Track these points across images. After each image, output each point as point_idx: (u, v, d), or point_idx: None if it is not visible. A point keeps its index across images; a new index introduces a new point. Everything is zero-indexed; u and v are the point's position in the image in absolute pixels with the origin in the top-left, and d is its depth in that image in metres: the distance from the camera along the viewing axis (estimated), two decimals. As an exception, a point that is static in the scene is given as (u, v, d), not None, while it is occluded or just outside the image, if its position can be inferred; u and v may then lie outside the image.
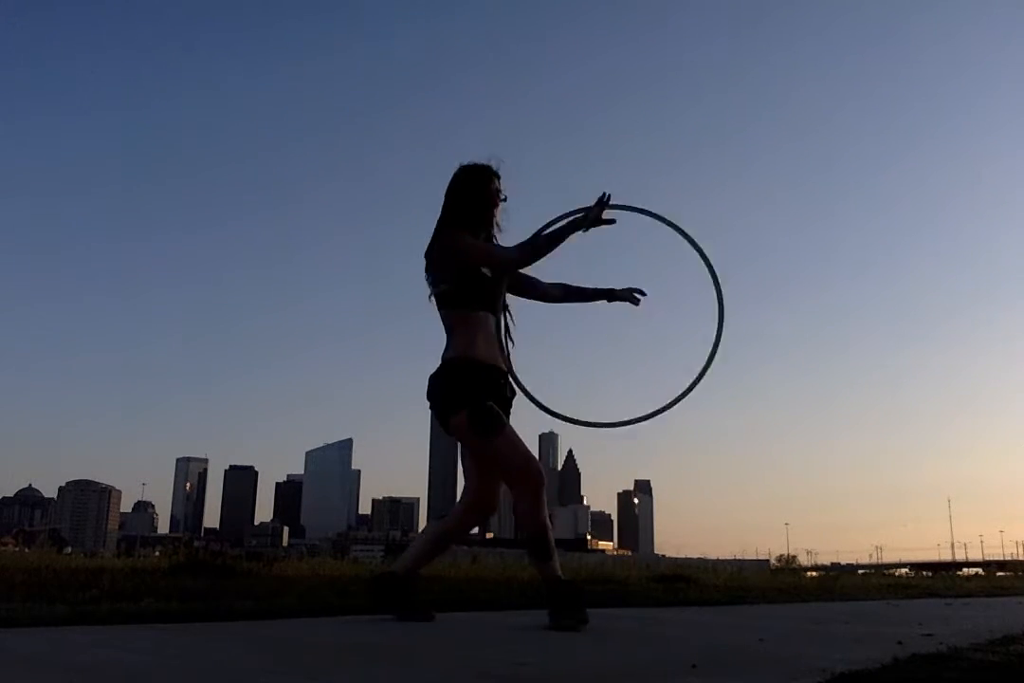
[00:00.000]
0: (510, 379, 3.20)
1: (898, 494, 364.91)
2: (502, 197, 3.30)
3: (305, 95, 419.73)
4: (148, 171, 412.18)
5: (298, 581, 5.35)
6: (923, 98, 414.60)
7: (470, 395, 3.03)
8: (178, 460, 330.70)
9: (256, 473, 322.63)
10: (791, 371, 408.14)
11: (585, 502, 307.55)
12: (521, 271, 3.31)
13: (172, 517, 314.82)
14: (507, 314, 3.31)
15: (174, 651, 2.20)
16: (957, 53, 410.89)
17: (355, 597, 3.95)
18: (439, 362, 3.17)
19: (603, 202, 3.10)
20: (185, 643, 2.36)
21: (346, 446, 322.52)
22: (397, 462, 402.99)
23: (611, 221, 3.13)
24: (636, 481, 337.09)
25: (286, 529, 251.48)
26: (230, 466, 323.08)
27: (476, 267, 3.16)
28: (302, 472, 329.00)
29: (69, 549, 27.47)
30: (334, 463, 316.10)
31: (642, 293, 3.44)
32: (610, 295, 3.45)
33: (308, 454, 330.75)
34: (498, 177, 3.28)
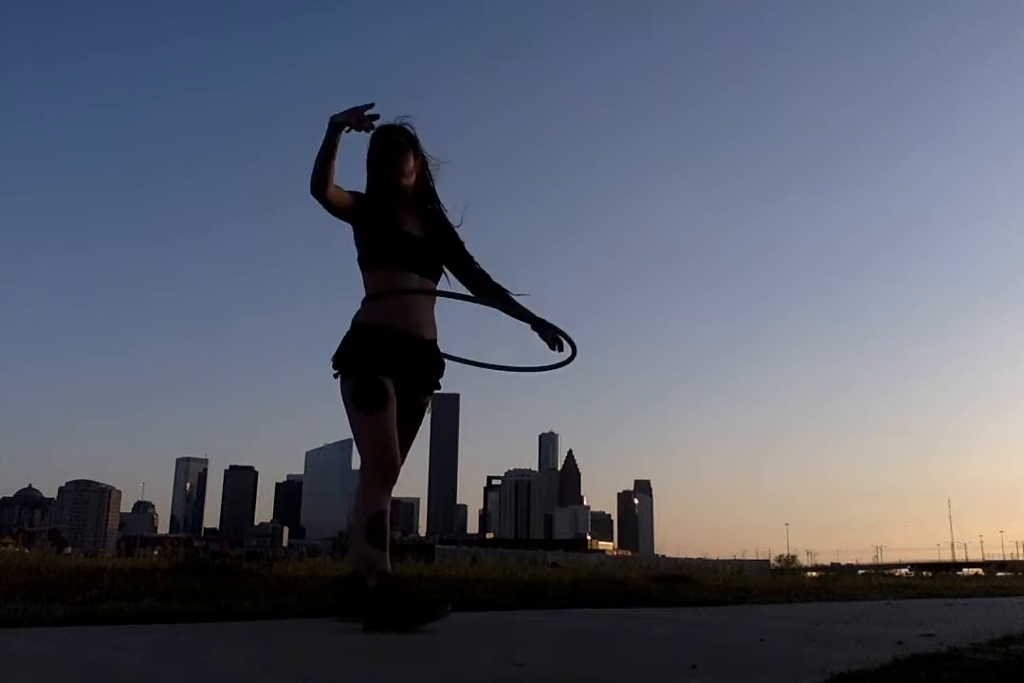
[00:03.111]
0: (430, 347, 3.03)
1: (898, 494, 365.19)
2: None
3: (303, 95, 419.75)
4: (149, 172, 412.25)
5: (298, 581, 5.34)
6: (925, 96, 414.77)
7: (362, 365, 2.93)
8: (178, 460, 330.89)
9: (256, 473, 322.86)
10: (791, 371, 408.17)
11: (585, 502, 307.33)
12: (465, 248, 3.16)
13: (172, 517, 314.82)
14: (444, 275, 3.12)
15: (174, 651, 2.20)
16: (958, 53, 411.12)
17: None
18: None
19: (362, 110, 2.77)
20: (185, 643, 2.36)
21: (346, 446, 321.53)
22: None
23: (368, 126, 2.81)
24: (636, 481, 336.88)
25: (286, 529, 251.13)
26: (230, 466, 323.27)
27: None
28: (302, 472, 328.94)
29: (69, 549, 27.46)
30: (334, 463, 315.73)
31: (560, 347, 3.05)
32: (539, 326, 3.10)
33: (308, 454, 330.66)
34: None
